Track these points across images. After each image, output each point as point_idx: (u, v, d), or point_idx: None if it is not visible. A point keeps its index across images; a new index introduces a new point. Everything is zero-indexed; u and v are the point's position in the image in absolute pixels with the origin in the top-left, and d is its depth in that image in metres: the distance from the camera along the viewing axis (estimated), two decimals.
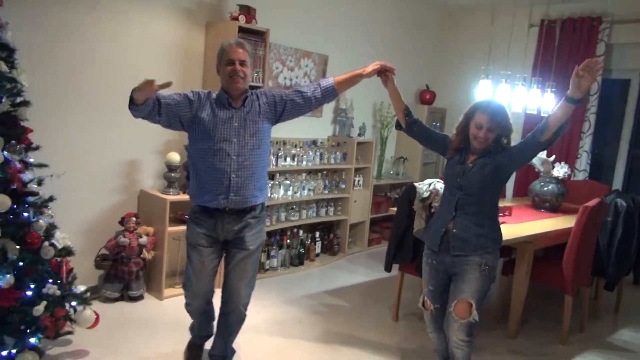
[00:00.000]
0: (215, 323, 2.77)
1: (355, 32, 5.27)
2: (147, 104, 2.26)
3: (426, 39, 6.24)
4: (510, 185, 5.59)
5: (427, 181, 3.23)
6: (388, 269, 3.55)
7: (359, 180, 5.24)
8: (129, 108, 2.26)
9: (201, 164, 2.46)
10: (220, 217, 2.48)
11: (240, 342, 2.97)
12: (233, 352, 2.80)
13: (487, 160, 2.49)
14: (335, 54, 5.02)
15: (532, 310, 3.97)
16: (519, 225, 3.65)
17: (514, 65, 4.94)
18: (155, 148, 3.82)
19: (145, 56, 3.64)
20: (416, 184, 3.26)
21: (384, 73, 2.61)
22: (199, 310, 2.68)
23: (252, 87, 2.66)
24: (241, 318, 2.66)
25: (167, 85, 2.18)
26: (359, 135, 5.26)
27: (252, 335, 3.19)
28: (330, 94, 2.61)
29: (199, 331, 2.80)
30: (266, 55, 4.01)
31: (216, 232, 2.50)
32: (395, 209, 3.54)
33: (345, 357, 3.05)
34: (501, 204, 4.03)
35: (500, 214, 3.70)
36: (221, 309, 2.65)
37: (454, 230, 2.50)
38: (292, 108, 2.59)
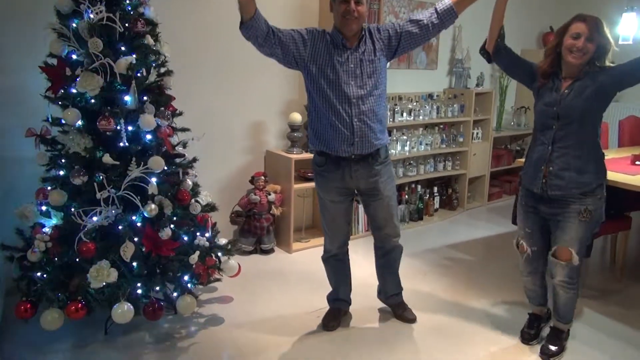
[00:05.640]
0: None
1: None
2: (257, 18, 2.17)
3: None
4: None
5: None
6: (515, 221, 3.42)
7: (477, 133, 5.05)
8: (240, 28, 2.20)
9: (321, 109, 2.40)
10: (347, 166, 2.43)
11: (367, 293, 3.09)
12: (401, 288, 2.90)
13: (585, 83, 2.26)
14: None
15: None
16: None
17: None
18: (278, 109, 3.99)
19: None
20: None
21: None
22: (336, 257, 2.71)
23: None
24: (400, 249, 2.76)
25: None
26: (477, 85, 5.04)
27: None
28: (449, 16, 2.39)
29: (336, 292, 2.82)
30: (380, 10, 3.96)
31: (345, 182, 2.47)
32: (523, 160, 3.38)
33: (473, 309, 3.05)
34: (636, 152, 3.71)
35: (638, 163, 3.41)
36: (379, 250, 2.77)
37: (550, 168, 2.33)
38: (408, 40, 2.42)
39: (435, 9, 2.40)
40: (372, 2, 3.88)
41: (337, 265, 2.78)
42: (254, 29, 2.19)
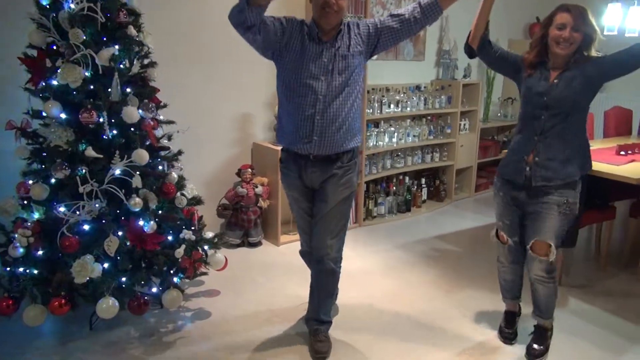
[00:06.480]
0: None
1: None
2: (262, 9, 2.06)
3: None
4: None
5: None
6: None
7: (464, 124, 5.07)
8: (246, 7, 2.01)
9: (286, 102, 2.30)
10: (304, 165, 2.34)
11: (356, 283, 3.09)
12: (329, 322, 2.57)
13: (574, 73, 2.25)
14: None
15: None
16: None
17: None
18: (265, 101, 3.96)
19: None
20: None
21: None
22: (310, 256, 2.58)
23: None
24: (331, 271, 2.43)
25: None
26: (464, 77, 5.04)
27: (367, 277, 3.31)
28: (433, 11, 2.26)
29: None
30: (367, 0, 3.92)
31: (302, 181, 2.40)
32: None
33: (460, 298, 3.06)
34: (630, 141, 3.74)
35: (630, 152, 3.43)
36: (312, 264, 2.50)
37: (537, 159, 2.31)
38: (388, 36, 2.31)
39: (419, 3, 2.28)
40: None
41: (311, 267, 2.58)
42: (256, 17, 2.06)
